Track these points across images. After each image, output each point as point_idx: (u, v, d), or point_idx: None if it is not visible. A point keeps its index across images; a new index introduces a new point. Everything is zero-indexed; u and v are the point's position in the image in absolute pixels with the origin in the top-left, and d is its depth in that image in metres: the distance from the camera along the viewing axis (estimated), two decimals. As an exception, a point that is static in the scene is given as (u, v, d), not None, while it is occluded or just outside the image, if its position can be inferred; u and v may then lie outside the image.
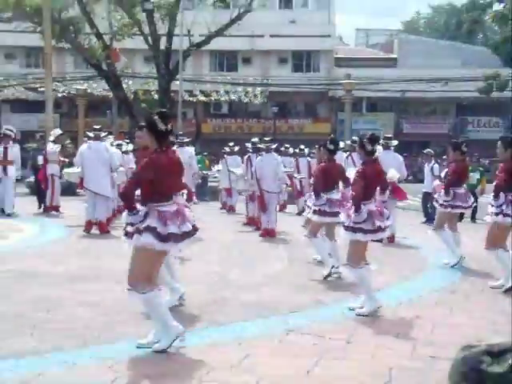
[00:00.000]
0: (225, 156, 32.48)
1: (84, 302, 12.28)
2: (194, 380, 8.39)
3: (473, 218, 26.47)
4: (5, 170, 26.10)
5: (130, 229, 9.43)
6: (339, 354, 9.68)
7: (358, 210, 12.30)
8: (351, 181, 13.42)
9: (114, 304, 12.10)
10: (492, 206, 14.67)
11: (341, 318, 11.80)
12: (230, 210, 31.19)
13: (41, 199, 27.33)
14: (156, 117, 9.60)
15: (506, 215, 14.09)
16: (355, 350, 9.88)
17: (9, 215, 25.26)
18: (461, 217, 22.40)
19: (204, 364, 8.96)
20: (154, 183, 9.39)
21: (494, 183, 15.17)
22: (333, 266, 15.14)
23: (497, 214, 14.36)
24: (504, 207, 14.19)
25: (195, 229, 9.68)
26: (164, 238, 9.21)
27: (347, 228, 12.66)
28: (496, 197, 14.69)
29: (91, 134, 23.52)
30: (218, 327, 10.79)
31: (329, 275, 14.85)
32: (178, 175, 10.07)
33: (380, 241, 17.76)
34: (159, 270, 9.96)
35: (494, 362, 1.51)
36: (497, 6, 49.04)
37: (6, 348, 9.60)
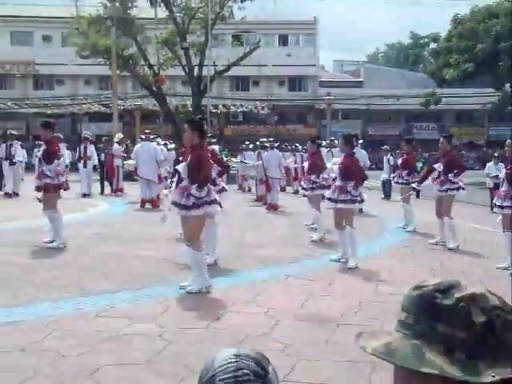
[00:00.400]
0: (242, 152, 32.60)
1: (141, 256, 12.50)
2: (220, 310, 8.62)
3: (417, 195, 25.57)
4: (85, 163, 26.38)
5: (191, 202, 9.49)
6: (324, 292, 9.86)
7: (359, 186, 12.61)
8: (335, 168, 13.45)
9: (162, 257, 12.38)
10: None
11: (325, 267, 11.99)
12: (248, 190, 31.03)
13: (110, 184, 27.23)
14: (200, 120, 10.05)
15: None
16: (334, 290, 10.12)
17: (87, 195, 25.52)
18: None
19: (226, 300, 9.22)
20: (208, 170, 9.75)
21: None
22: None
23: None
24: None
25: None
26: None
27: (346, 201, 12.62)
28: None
29: (143, 136, 23.83)
30: (237, 274, 11.15)
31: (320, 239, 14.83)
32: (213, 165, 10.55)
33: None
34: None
35: (444, 297, 1.51)
36: (432, 45, 50.03)
37: (87, 288, 9.81)
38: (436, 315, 1.55)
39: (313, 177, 14.44)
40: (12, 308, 8.62)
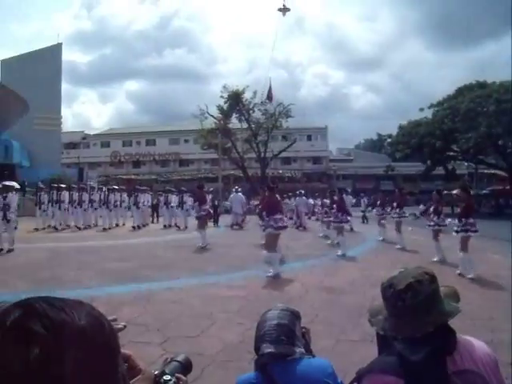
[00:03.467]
0: (289, 198, 31.36)
1: (236, 255, 12.23)
2: (279, 284, 8.52)
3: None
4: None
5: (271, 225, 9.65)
6: (333, 274, 9.69)
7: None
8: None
9: (251, 255, 12.05)
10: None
11: (334, 259, 11.71)
12: (290, 218, 29.12)
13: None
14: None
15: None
16: (339, 273, 9.87)
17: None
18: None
19: (282, 279, 9.07)
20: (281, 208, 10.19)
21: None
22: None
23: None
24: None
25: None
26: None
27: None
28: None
29: (234, 190, 23.31)
30: (286, 264, 10.57)
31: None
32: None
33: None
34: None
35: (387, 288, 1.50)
36: (388, 140, 50.04)
37: (206, 271, 9.78)
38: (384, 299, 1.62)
39: (339, 214, 13.25)
40: (170, 281, 8.72)
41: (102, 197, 20.29)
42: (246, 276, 9.32)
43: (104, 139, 66.06)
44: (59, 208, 18.68)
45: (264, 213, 10.12)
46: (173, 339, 5.35)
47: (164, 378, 1.20)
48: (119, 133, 66.92)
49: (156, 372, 1.21)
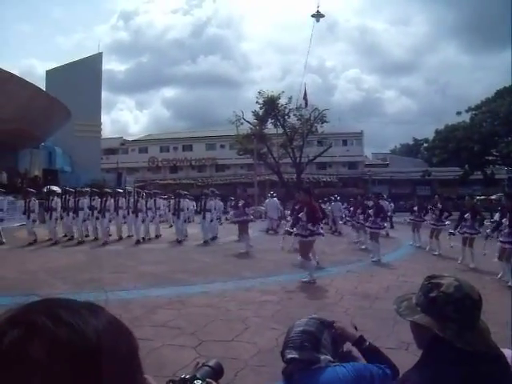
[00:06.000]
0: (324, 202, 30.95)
1: (271, 260, 12.21)
2: (312, 289, 8.46)
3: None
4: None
5: (307, 232, 9.34)
6: (368, 280, 9.56)
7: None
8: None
9: (285, 260, 12.01)
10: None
11: (369, 265, 11.55)
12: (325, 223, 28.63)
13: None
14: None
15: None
16: (374, 279, 9.72)
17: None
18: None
19: (316, 285, 8.99)
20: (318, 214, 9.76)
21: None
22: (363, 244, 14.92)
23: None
24: None
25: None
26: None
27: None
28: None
29: (269, 195, 23.12)
30: (320, 270, 10.43)
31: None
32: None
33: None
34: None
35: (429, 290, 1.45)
36: (425, 144, 49.08)
37: (242, 275, 9.77)
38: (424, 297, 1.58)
39: (378, 220, 12.84)
40: (202, 285, 8.76)
41: (141, 203, 16.91)
42: (281, 281, 9.27)
43: (142, 145, 67.12)
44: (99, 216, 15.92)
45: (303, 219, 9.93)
46: (206, 343, 5.35)
47: (195, 382, 1.20)
48: (157, 139, 67.84)
49: (187, 376, 1.21)
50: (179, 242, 16.14)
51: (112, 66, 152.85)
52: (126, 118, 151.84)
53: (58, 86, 39.94)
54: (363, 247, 14.84)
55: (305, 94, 43.03)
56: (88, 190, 17.70)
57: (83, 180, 31.50)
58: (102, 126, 51.25)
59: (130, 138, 70.02)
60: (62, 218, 16.42)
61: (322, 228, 9.90)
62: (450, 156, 40.18)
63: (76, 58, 48.63)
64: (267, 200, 23.37)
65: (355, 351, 2.18)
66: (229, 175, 61.41)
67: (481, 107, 40.25)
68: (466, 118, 41.19)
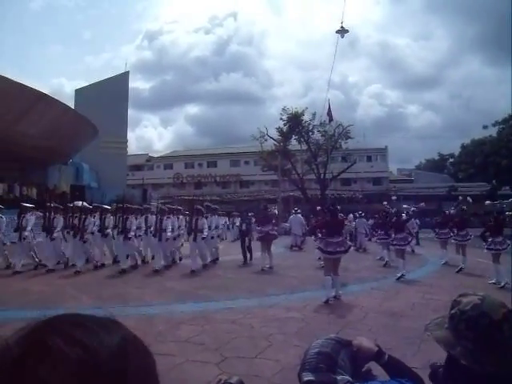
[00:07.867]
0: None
1: (295, 277, 12.13)
2: (332, 307, 8.34)
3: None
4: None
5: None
6: (393, 297, 9.38)
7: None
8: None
9: (309, 277, 11.91)
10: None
11: (393, 282, 11.30)
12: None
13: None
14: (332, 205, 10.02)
15: None
16: (399, 296, 9.53)
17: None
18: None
19: (340, 301, 8.87)
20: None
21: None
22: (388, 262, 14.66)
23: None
24: None
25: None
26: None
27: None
28: None
29: (293, 211, 23.19)
30: (344, 287, 10.21)
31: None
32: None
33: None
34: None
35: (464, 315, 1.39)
36: (450, 159, 48.17)
37: (266, 292, 9.73)
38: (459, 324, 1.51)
39: (402, 236, 12.55)
40: (226, 301, 8.74)
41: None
42: (305, 298, 9.18)
43: (167, 161, 67.92)
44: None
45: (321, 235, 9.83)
46: (230, 359, 5.32)
47: (217, 399, 1.19)
48: (182, 155, 68.70)
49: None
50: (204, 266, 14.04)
51: (137, 84, 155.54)
52: (150, 134, 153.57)
53: (86, 104, 40.87)
54: (384, 263, 14.67)
55: (329, 110, 42.93)
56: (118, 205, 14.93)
57: (109, 196, 31.84)
58: (127, 143, 52.25)
59: (155, 155, 71.13)
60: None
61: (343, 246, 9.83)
62: (476, 171, 39.67)
63: (104, 77, 50.03)
64: (291, 216, 23.28)
65: (378, 369, 2.14)
66: (253, 191, 61.57)
67: (508, 121, 39.63)
68: (492, 132, 40.72)
